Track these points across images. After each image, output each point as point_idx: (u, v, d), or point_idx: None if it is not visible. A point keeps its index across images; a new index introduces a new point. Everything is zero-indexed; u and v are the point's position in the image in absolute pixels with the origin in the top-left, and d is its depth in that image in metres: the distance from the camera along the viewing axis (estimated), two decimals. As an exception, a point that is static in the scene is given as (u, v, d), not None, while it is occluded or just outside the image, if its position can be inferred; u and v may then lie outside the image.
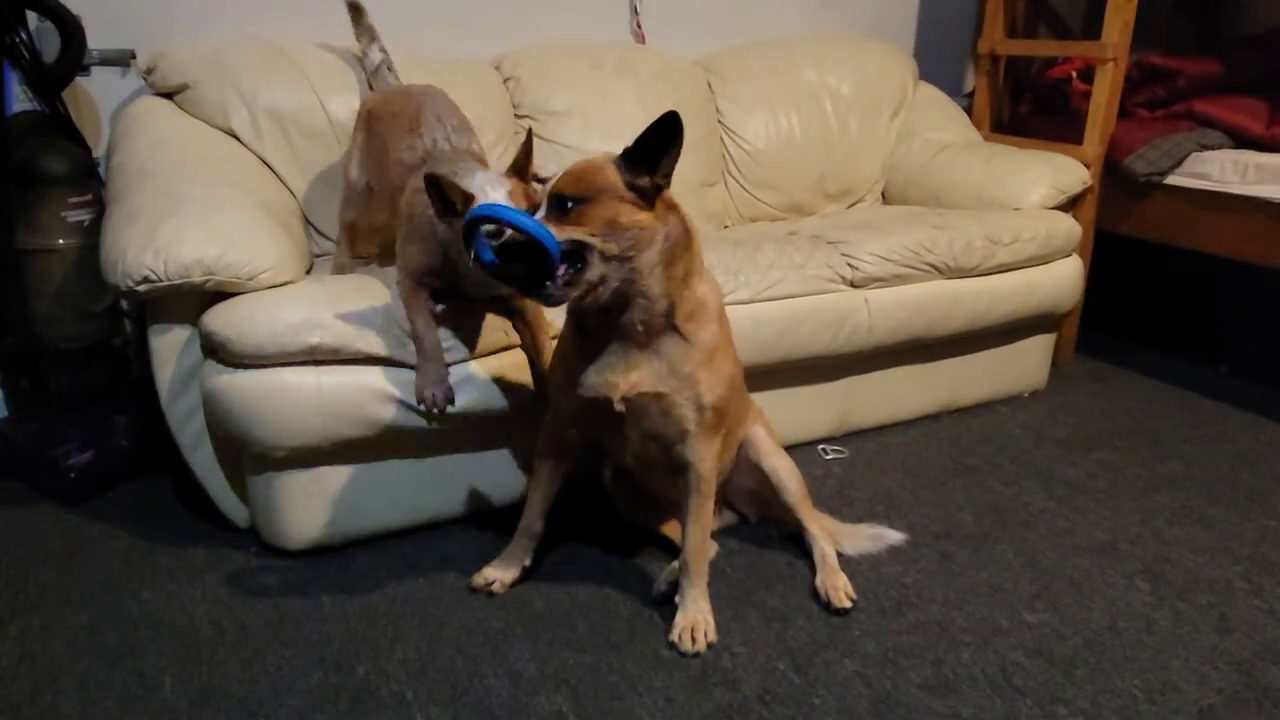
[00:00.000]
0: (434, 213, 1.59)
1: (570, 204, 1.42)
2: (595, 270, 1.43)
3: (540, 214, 1.43)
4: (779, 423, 2.02)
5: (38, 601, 1.75)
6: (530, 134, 1.68)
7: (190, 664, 1.58)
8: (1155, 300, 3.51)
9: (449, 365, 1.79)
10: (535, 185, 1.62)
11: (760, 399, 2.05)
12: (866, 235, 2.40)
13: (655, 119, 1.41)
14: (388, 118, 1.97)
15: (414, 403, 1.77)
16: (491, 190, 1.53)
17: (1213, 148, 2.68)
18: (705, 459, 1.64)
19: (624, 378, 1.55)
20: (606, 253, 1.43)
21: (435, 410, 1.76)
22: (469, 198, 1.52)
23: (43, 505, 2.08)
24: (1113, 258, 3.06)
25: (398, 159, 1.87)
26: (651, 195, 1.47)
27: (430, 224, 1.69)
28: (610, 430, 1.66)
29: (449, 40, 2.65)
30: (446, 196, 1.54)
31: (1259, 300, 3.24)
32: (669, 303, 1.51)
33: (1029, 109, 3.27)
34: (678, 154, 1.45)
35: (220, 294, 1.73)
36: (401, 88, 2.11)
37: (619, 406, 1.57)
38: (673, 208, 1.52)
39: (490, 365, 1.85)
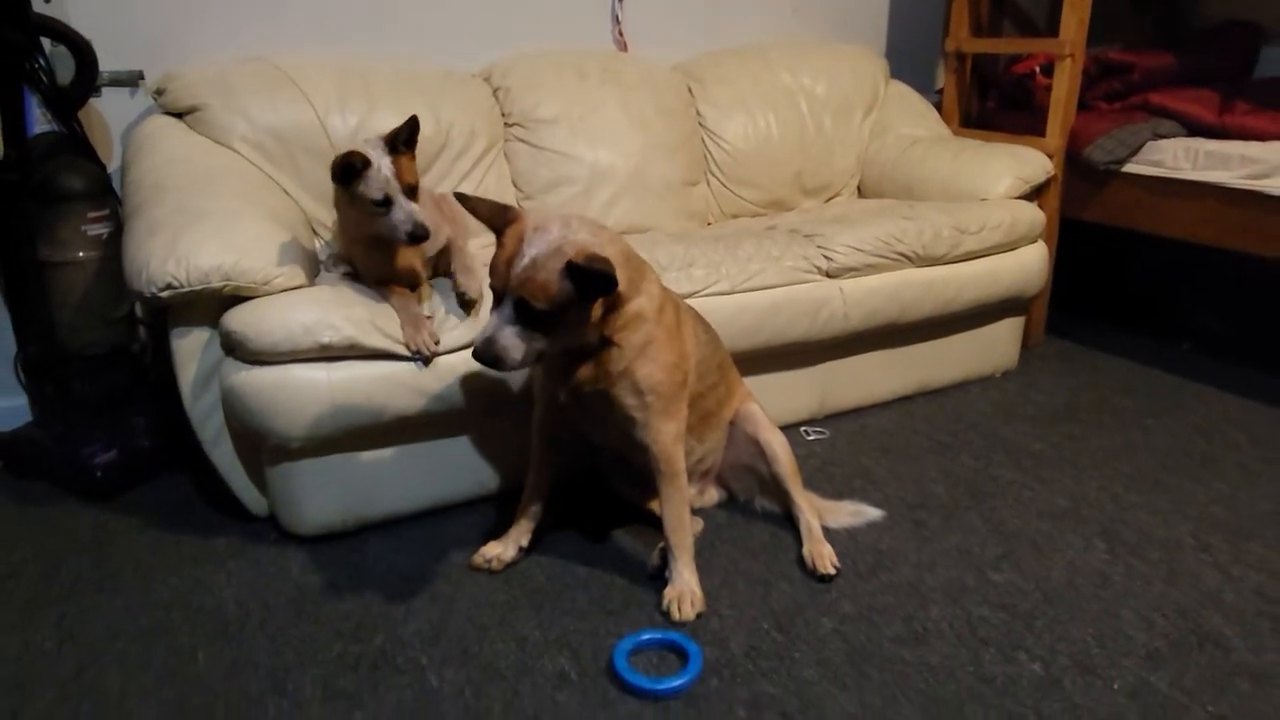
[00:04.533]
0: (335, 180, 1.86)
1: (533, 313, 1.52)
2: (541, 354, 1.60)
3: (506, 310, 1.54)
4: (763, 406, 2.16)
5: (73, 589, 1.88)
6: (405, 126, 1.87)
7: (220, 640, 1.72)
8: (1125, 284, 3.67)
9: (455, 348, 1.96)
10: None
11: (746, 384, 2.19)
12: (840, 228, 2.54)
13: (598, 271, 1.47)
14: None
15: (419, 388, 1.93)
16: (381, 163, 1.83)
17: (1168, 136, 2.83)
18: (659, 439, 1.76)
19: (568, 379, 1.71)
20: (554, 349, 1.61)
21: (428, 351, 1.91)
22: (366, 160, 1.82)
23: (71, 503, 2.21)
24: (1083, 244, 3.21)
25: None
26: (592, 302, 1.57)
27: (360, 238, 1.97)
28: (574, 418, 1.82)
29: (440, 54, 2.79)
30: (352, 164, 1.81)
31: (1222, 282, 3.40)
32: (600, 333, 1.64)
33: (995, 104, 3.42)
34: (606, 296, 1.58)
35: (237, 298, 1.87)
36: None
37: (564, 398, 1.74)
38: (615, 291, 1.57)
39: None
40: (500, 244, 1.56)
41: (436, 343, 1.93)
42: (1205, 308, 3.43)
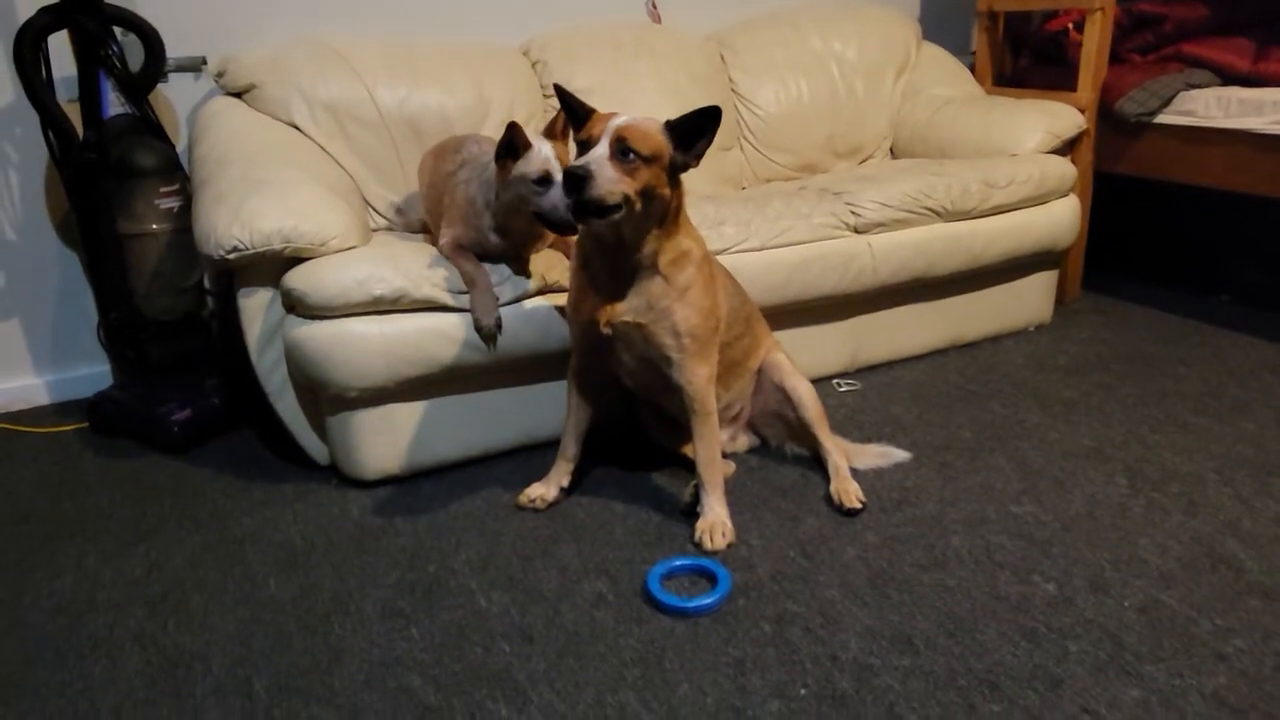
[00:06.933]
0: (494, 154, 1.97)
1: (631, 156, 1.66)
2: (620, 214, 1.69)
3: (601, 148, 1.65)
4: (796, 359, 2.24)
5: (158, 528, 2.06)
6: (561, 113, 1.97)
7: (289, 570, 1.88)
8: (1163, 238, 3.65)
9: (502, 304, 2.07)
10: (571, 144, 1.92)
11: (778, 337, 2.27)
12: (869, 185, 2.61)
13: (701, 109, 1.66)
14: (438, 154, 2.31)
15: (465, 340, 2.05)
16: (542, 146, 1.92)
17: (1201, 86, 2.83)
18: (694, 381, 1.87)
19: (611, 307, 1.83)
20: (636, 208, 1.69)
21: (490, 334, 2.04)
22: (529, 144, 1.92)
23: (152, 456, 2.40)
24: (1121, 199, 3.22)
25: (445, 172, 2.20)
26: (680, 170, 1.73)
27: (471, 201, 2.05)
28: (608, 354, 1.93)
29: (482, 29, 2.92)
30: (513, 141, 1.91)
31: (1260, 232, 3.37)
32: (655, 251, 1.78)
33: (1028, 62, 3.44)
34: (711, 141, 1.71)
35: (296, 259, 2.02)
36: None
37: (605, 330, 1.85)
38: (680, 181, 1.77)
39: (537, 304, 2.13)
40: (585, 129, 1.71)
41: (499, 328, 2.04)
42: (1244, 259, 3.41)
